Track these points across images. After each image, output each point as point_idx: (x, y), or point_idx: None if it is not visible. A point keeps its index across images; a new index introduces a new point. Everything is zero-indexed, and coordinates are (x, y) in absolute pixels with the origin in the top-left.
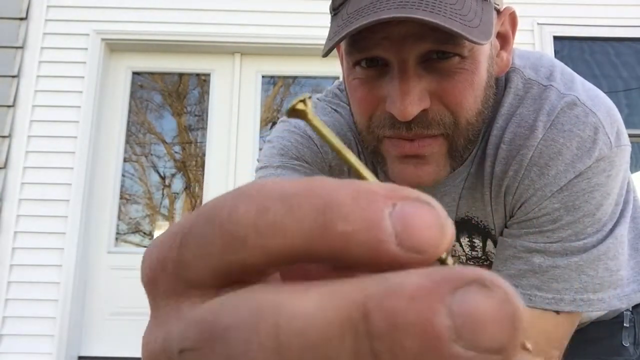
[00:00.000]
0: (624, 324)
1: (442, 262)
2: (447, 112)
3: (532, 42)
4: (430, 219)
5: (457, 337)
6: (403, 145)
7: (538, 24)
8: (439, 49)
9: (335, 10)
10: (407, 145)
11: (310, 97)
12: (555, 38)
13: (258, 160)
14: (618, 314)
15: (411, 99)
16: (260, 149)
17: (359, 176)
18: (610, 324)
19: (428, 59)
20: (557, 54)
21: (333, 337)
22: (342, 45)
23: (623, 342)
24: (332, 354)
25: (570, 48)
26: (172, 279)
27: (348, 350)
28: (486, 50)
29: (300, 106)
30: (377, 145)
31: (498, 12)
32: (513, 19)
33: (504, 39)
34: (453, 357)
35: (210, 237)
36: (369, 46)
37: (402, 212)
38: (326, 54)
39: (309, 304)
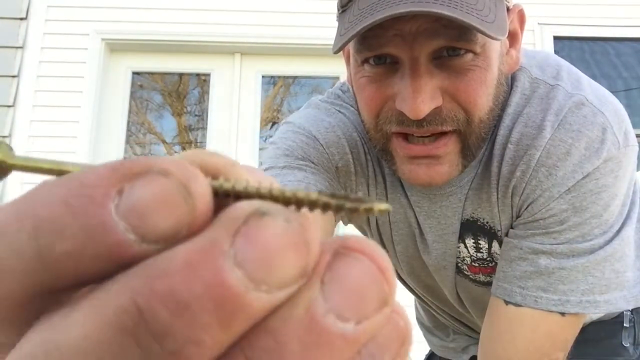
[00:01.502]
0: (624, 324)
1: (226, 192)
2: (460, 109)
3: (532, 42)
4: (165, 191)
5: (254, 283)
6: (413, 148)
7: (538, 24)
8: (452, 46)
9: (343, 7)
10: (419, 148)
11: (3, 141)
12: (555, 38)
13: (262, 163)
14: (618, 314)
15: (423, 97)
16: (261, 149)
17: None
18: (610, 324)
19: (439, 56)
20: (557, 54)
21: (114, 355)
22: (350, 43)
23: (623, 343)
24: None
25: (570, 48)
26: None
27: None
28: (497, 47)
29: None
30: (386, 143)
31: (507, 9)
32: (522, 16)
33: (513, 37)
34: (257, 305)
35: None
36: (381, 43)
37: (130, 198)
38: (338, 50)
39: (74, 329)
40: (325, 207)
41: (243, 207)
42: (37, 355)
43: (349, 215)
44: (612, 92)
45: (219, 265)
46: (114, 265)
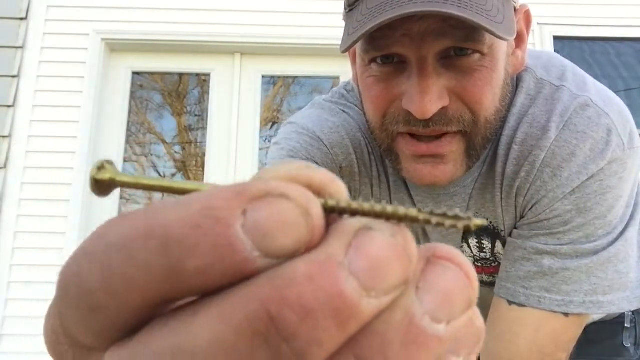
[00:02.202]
0: (625, 325)
1: (334, 210)
2: (467, 109)
3: (532, 42)
4: (288, 214)
5: (367, 290)
6: (419, 146)
7: (538, 24)
8: (460, 46)
9: (351, 5)
10: (424, 147)
11: (107, 161)
12: (555, 38)
13: (265, 164)
14: (619, 315)
15: (430, 97)
16: (261, 149)
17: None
18: (612, 325)
19: (447, 56)
20: (557, 53)
21: (243, 355)
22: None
23: (624, 343)
24: None
25: (570, 48)
26: (71, 349)
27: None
28: (504, 48)
29: (103, 175)
30: (391, 143)
31: (515, 9)
32: (528, 17)
33: (519, 37)
34: (371, 312)
35: (73, 308)
36: (389, 44)
37: (255, 219)
38: (347, 50)
39: (203, 334)
40: (425, 223)
41: (352, 223)
42: (163, 356)
43: (446, 229)
44: (611, 91)
45: (336, 276)
46: (237, 279)
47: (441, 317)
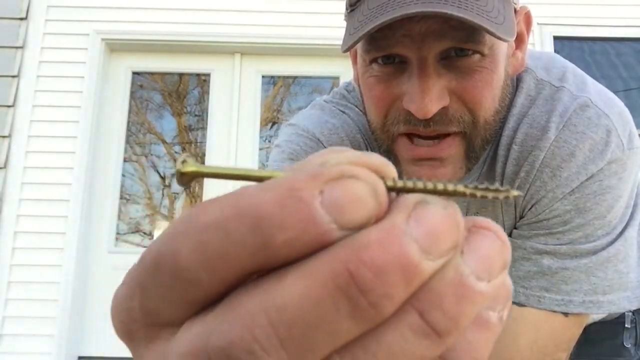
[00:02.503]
0: (626, 325)
1: (395, 189)
2: (466, 110)
3: (532, 42)
4: (359, 191)
5: (425, 253)
6: (418, 150)
7: (538, 24)
8: (460, 47)
9: (352, 5)
10: (423, 150)
11: (188, 156)
12: (555, 38)
13: (267, 165)
14: (619, 315)
15: (431, 97)
16: (261, 149)
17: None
18: (612, 325)
19: (447, 57)
20: (557, 54)
21: (328, 310)
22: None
23: (624, 343)
24: (336, 325)
25: (570, 48)
26: (144, 327)
27: (348, 314)
28: (504, 49)
29: (187, 167)
30: (391, 144)
31: (515, 11)
32: (528, 18)
33: (519, 38)
34: (427, 270)
35: (164, 285)
36: (390, 44)
37: (331, 196)
38: (348, 49)
39: (294, 291)
40: (472, 196)
41: (411, 197)
42: (256, 314)
43: (490, 200)
44: (612, 92)
45: (401, 241)
46: (316, 249)
47: (483, 276)
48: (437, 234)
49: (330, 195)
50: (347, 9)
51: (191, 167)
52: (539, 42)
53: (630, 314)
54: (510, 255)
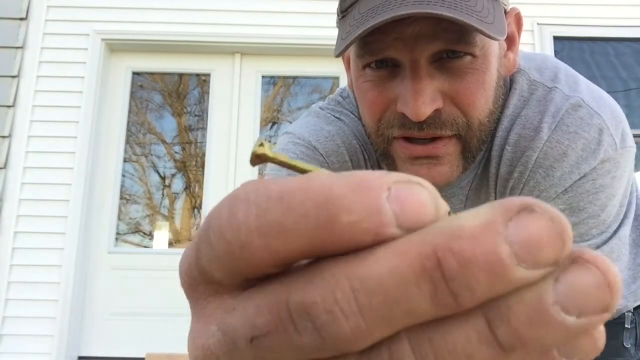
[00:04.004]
0: (626, 325)
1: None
2: (460, 113)
3: (532, 42)
4: (424, 198)
5: (519, 260)
6: (414, 148)
7: (538, 24)
8: (452, 49)
9: (343, 12)
10: (420, 148)
11: (266, 139)
12: (555, 38)
13: (264, 175)
14: (619, 315)
15: (424, 99)
16: None
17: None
18: (612, 325)
19: (439, 59)
20: (557, 54)
21: (410, 288)
22: (350, 48)
23: (624, 343)
24: (414, 303)
25: (570, 48)
26: (203, 283)
27: (427, 296)
28: (496, 50)
29: (261, 150)
30: (387, 147)
31: (505, 12)
32: (518, 19)
33: (510, 40)
34: (518, 280)
35: (216, 245)
36: (382, 48)
37: (397, 195)
38: (340, 54)
39: (381, 265)
40: None
41: (516, 200)
42: (341, 280)
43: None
44: (611, 92)
45: (495, 240)
46: (370, 242)
47: (571, 310)
48: (535, 245)
49: (397, 192)
50: (338, 15)
51: (264, 150)
52: (539, 42)
53: (631, 314)
54: (616, 301)
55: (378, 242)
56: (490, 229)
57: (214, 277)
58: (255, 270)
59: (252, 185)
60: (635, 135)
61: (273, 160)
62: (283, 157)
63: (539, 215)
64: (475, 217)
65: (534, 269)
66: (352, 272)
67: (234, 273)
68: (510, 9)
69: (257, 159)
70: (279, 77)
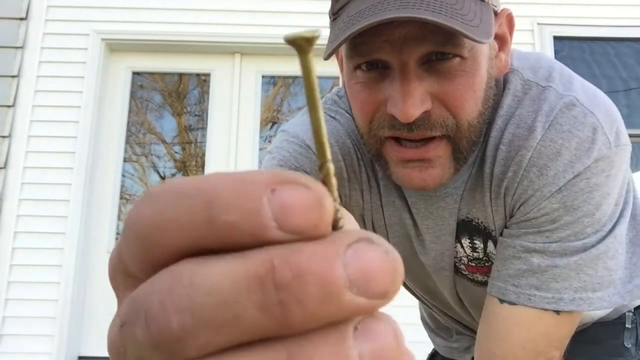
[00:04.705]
0: (626, 325)
1: (334, 227)
2: (449, 115)
3: (532, 42)
4: (307, 201)
5: (351, 284)
6: (406, 151)
7: (538, 24)
8: (440, 50)
9: (334, 15)
10: (411, 151)
11: (318, 36)
12: (555, 38)
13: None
14: (620, 315)
15: (413, 101)
16: (261, 149)
17: (319, 143)
18: (612, 325)
19: (428, 61)
20: (557, 54)
21: (241, 292)
22: (343, 50)
23: (625, 343)
24: (243, 310)
25: (570, 48)
26: (120, 275)
27: (255, 303)
28: (485, 51)
29: (302, 42)
30: (379, 148)
31: (495, 13)
32: (510, 20)
33: (501, 40)
34: (347, 302)
35: (128, 238)
36: (370, 50)
37: (279, 198)
38: (328, 57)
39: (219, 267)
40: None
41: (359, 232)
42: (184, 277)
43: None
44: (611, 92)
45: (333, 261)
46: (253, 242)
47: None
48: (368, 273)
49: (280, 194)
50: (330, 17)
51: (307, 47)
52: (539, 42)
53: (631, 314)
54: (402, 354)
55: (263, 243)
56: (330, 250)
57: (130, 270)
58: (158, 261)
59: (163, 185)
60: (635, 135)
61: (302, 60)
62: (310, 66)
63: (376, 246)
64: (325, 239)
65: (363, 296)
66: (198, 269)
67: (143, 265)
68: (502, 10)
69: (294, 43)
70: (279, 77)
